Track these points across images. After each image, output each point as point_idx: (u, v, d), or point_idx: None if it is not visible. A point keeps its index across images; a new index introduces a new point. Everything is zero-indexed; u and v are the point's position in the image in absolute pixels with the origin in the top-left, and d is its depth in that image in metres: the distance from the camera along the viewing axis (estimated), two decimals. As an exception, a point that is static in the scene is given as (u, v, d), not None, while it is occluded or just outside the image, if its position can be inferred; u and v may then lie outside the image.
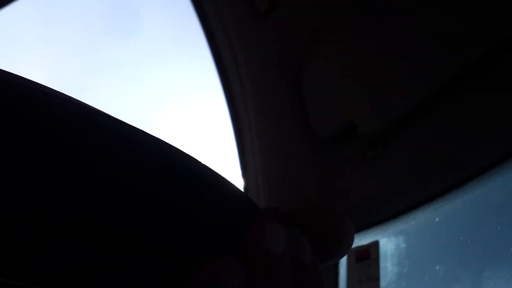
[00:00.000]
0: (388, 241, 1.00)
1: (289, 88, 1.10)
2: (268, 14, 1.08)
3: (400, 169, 0.91)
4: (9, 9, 1.03)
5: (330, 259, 0.27)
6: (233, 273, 0.22)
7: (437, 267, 1.01)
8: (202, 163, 0.25)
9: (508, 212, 0.87)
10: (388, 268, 0.97)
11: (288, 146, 1.08)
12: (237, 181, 1.15)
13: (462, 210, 0.91)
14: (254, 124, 1.10)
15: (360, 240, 1.00)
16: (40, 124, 0.21)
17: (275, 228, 0.25)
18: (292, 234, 0.25)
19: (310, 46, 1.06)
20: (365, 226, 1.00)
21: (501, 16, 0.72)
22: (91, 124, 0.23)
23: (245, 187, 1.14)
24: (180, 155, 0.25)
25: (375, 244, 0.96)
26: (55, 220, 0.20)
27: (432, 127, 0.85)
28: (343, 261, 1.02)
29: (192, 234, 0.23)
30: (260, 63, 1.10)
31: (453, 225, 0.98)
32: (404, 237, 1.05)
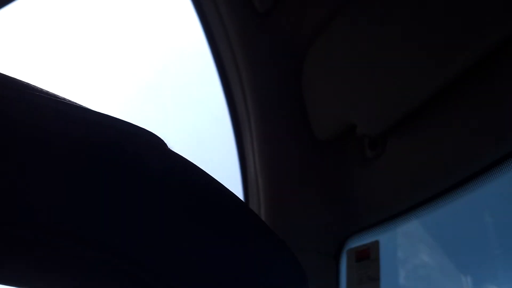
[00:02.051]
0: (388, 241, 1.00)
1: (289, 88, 1.10)
2: (267, 15, 1.08)
3: (399, 169, 0.91)
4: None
5: None
6: None
7: (437, 267, 1.01)
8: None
9: (507, 213, 0.88)
10: (388, 268, 0.97)
11: (288, 146, 1.08)
12: (237, 181, 1.15)
13: (462, 210, 0.91)
14: (254, 125, 1.10)
15: (360, 240, 1.00)
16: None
17: None
18: None
19: (309, 47, 1.06)
20: (365, 226, 1.00)
21: (501, 16, 0.71)
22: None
23: (245, 188, 1.14)
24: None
25: (375, 244, 0.96)
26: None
27: (431, 128, 0.86)
28: (343, 261, 1.03)
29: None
30: (260, 64, 1.10)
31: (453, 225, 0.98)
32: (404, 237, 1.05)
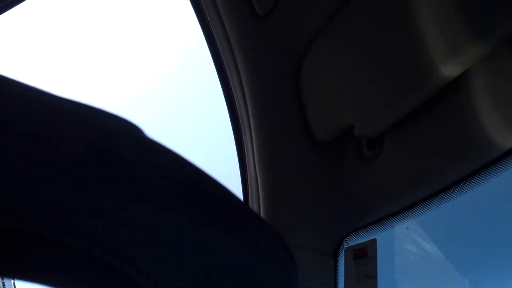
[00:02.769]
0: (386, 240, 1.00)
1: (288, 89, 1.10)
2: (267, 17, 1.09)
3: (396, 169, 0.92)
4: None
5: None
6: None
7: (435, 266, 1.02)
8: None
9: (503, 212, 0.88)
10: (385, 266, 0.98)
11: (287, 146, 1.09)
12: (237, 182, 1.16)
13: (460, 209, 0.91)
14: (254, 125, 1.10)
15: (358, 239, 1.01)
16: None
17: None
18: None
19: (308, 48, 1.06)
20: (362, 225, 1.01)
21: (500, 15, 0.71)
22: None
23: (244, 187, 1.14)
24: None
25: (373, 242, 0.97)
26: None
27: (428, 128, 0.86)
28: (341, 259, 1.03)
29: None
30: (259, 65, 1.10)
31: (450, 225, 0.99)
32: (402, 236, 1.06)
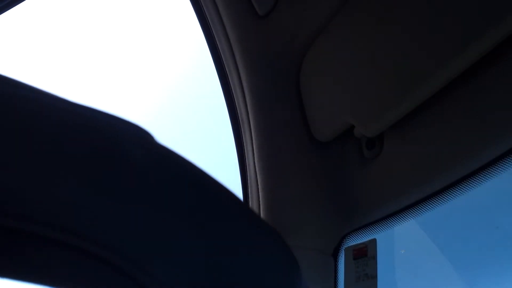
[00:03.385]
0: (386, 240, 1.01)
1: (288, 89, 1.10)
2: (267, 17, 1.09)
3: (396, 169, 0.92)
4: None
5: None
6: None
7: (433, 266, 1.02)
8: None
9: (502, 212, 0.88)
10: (385, 266, 0.98)
11: (287, 146, 1.09)
12: (237, 182, 1.16)
13: (458, 209, 0.92)
14: (253, 125, 1.11)
15: (358, 239, 1.01)
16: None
17: None
18: None
19: (308, 48, 1.07)
20: (362, 224, 1.01)
21: (500, 17, 0.71)
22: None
23: (244, 187, 1.15)
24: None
25: (373, 242, 0.97)
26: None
27: (428, 129, 0.86)
28: (341, 259, 1.04)
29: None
30: (259, 65, 1.11)
31: (449, 224, 0.99)
32: (401, 236, 1.07)
